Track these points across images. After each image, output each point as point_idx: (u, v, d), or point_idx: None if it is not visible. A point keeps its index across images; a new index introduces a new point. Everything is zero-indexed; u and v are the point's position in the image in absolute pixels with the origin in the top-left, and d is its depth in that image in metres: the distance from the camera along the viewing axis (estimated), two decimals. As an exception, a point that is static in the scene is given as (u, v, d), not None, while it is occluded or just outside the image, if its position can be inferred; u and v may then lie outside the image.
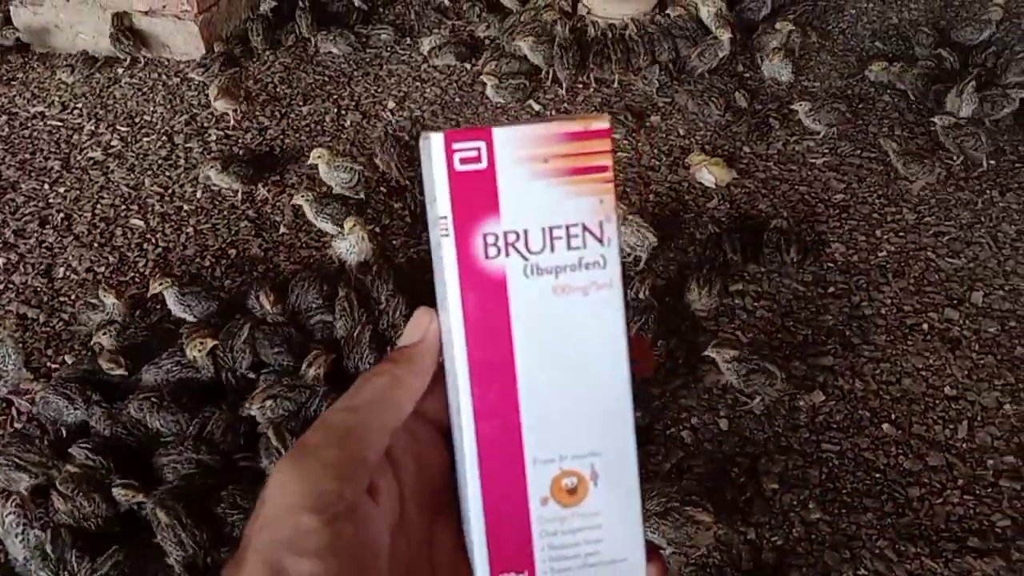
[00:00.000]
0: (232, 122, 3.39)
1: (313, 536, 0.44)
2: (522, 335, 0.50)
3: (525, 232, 0.49)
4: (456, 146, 0.49)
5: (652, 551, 0.52)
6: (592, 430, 0.51)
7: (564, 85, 3.59)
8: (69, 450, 2.08)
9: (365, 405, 0.50)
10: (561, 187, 0.49)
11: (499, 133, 0.49)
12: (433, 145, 0.49)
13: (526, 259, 0.49)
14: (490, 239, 0.49)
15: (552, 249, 0.50)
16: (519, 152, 0.49)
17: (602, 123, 0.49)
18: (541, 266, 0.50)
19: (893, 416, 2.29)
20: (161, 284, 2.42)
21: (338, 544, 0.44)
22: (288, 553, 0.44)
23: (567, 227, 0.50)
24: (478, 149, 0.49)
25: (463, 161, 0.49)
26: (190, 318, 2.44)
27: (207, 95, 3.51)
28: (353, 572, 0.45)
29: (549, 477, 0.51)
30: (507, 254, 0.49)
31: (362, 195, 2.98)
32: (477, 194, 0.49)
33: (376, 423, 0.49)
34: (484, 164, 0.49)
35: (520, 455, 0.50)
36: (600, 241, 0.50)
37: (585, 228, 0.50)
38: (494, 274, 0.49)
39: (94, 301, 2.49)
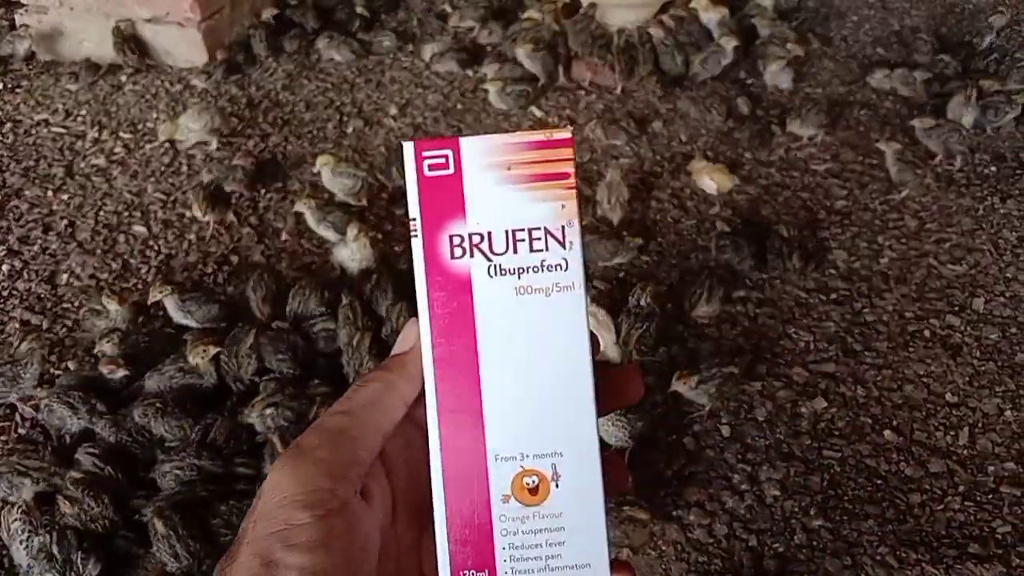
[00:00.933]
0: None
1: (304, 530, 0.46)
2: (486, 333, 0.52)
3: (489, 234, 0.52)
4: (426, 153, 0.52)
5: (621, 561, 0.53)
6: (554, 431, 0.52)
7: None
8: (76, 456, 2.09)
9: (359, 409, 0.52)
10: (524, 192, 0.52)
11: (465, 142, 0.52)
12: (406, 152, 0.52)
13: (490, 260, 0.52)
14: (456, 240, 0.52)
15: (515, 251, 0.52)
16: (485, 159, 0.52)
17: (564, 133, 0.52)
18: (504, 267, 0.52)
19: (895, 423, 2.29)
20: (161, 292, 2.43)
21: (329, 539, 0.46)
22: (279, 546, 0.45)
23: (529, 230, 0.52)
24: (446, 156, 0.52)
25: (431, 167, 0.52)
26: (192, 324, 2.45)
27: (208, 103, 3.53)
28: (342, 567, 0.46)
29: (510, 475, 0.52)
30: (472, 255, 0.52)
31: (364, 202, 2.99)
32: (444, 198, 0.52)
33: (369, 426, 0.51)
34: (451, 170, 0.52)
35: (482, 451, 0.52)
36: (562, 245, 0.52)
37: (547, 232, 0.52)
38: (459, 273, 0.52)
39: (98, 307, 2.50)
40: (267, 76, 3.80)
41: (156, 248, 2.88)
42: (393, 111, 3.57)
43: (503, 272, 0.51)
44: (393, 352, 0.55)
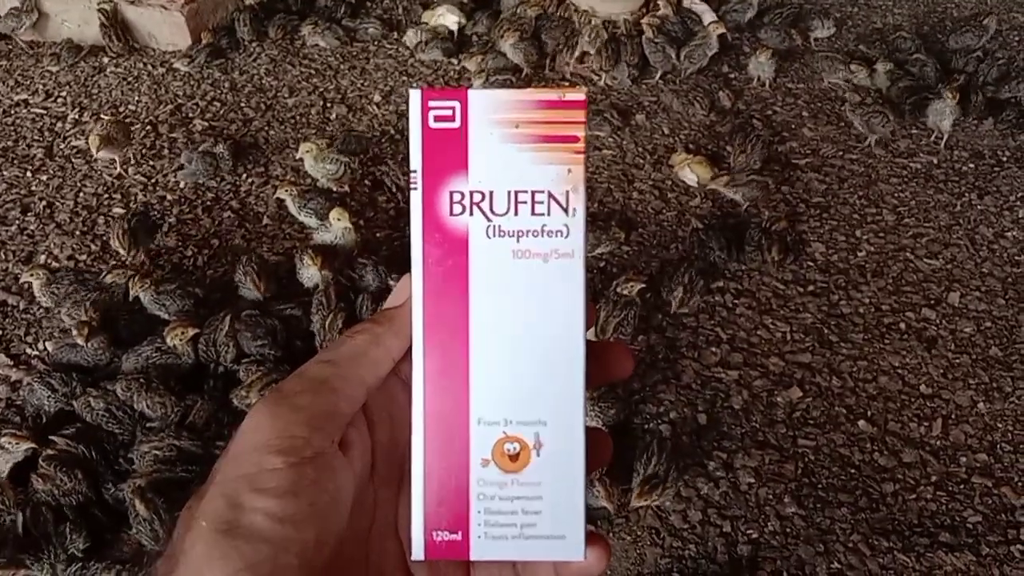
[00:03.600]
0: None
1: (274, 476, 0.45)
2: (479, 295, 0.51)
3: (491, 193, 0.50)
4: (432, 104, 0.50)
5: (597, 535, 0.52)
6: (540, 399, 0.51)
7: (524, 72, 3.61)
8: (50, 437, 2.08)
9: (343, 359, 0.51)
10: (530, 153, 0.50)
11: (474, 95, 0.50)
12: (411, 101, 0.50)
13: (489, 220, 0.50)
14: (456, 196, 0.50)
15: (516, 213, 0.50)
16: (492, 115, 0.49)
17: (578, 95, 0.50)
18: (503, 228, 0.50)
19: (869, 413, 2.31)
20: (141, 286, 2.40)
21: (298, 487, 0.45)
22: (248, 489, 0.45)
23: (532, 192, 0.50)
24: (453, 108, 0.50)
25: (437, 119, 0.50)
26: (165, 316, 2.42)
27: (191, 86, 3.51)
28: (309, 516, 0.46)
29: (492, 440, 0.51)
30: (471, 213, 0.50)
31: (346, 188, 2.98)
32: (447, 152, 0.50)
33: (352, 377, 0.50)
34: (457, 123, 0.50)
35: (465, 413, 0.51)
36: (565, 210, 0.50)
37: (551, 196, 0.50)
38: (457, 231, 0.50)
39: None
40: (251, 61, 3.78)
41: (136, 230, 2.86)
42: (377, 98, 3.57)
43: (502, 233, 0.50)
44: (385, 306, 0.54)
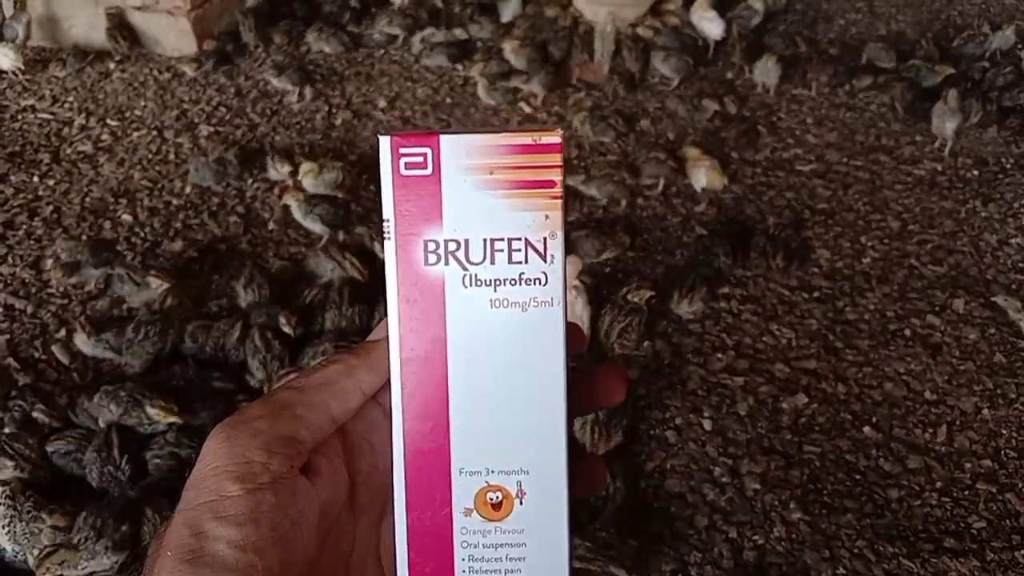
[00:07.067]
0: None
1: (234, 503, 0.45)
2: (457, 344, 0.50)
3: (466, 242, 0.49)
4: (403, 151, 0.48)
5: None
6: (522, 448, 0.51)
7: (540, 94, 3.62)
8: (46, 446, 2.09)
9: (311, 387, 0.50)
10: (506, 199, 0.49)
11: (446, 141, 0.48)
12: (381, 148, 0.49)
13: (465, 269, 0.49)
14: (431, 246, 0.49)
15: (492, 261, 0.49)
16: (465, 161, 0.48)
17: (553, 138, 0.48)
18: (480, 277, 0.49)
19: (874, 419, 2.32)
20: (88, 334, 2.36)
21: (258, 513, 0.45)
22: (209, 517, 0.45)
23: (509, 240, 0.49)
24: (424, 155, 0.48)
25: (408, 166, 0.48)
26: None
27: (197, 91, 3.52)
28: (271, 542, 0.45)
29: (474, 489, 0.51)
30: (447, 262, 0.49)
31: (347, 194, 2.98)
32: (420, 200, 0.48)
33: (317, 405, 0.50)
34: (429, 171, 0.48)
35: (447, 462, 0.51)
36: (543, 258, 0.49)
37: (528, 243, 0.49)
38: (433, 281, 0.49)
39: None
40: (256, 66, 3.80)
41: (142, 235, 2.88)
42: (382, 104, 3.58)
43: (479, 283, 0.49)
44: (369, 338, 0.53)
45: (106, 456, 2.01)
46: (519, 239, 0.49)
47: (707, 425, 2.29)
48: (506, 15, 4.05)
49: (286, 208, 2.87)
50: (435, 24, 4.04)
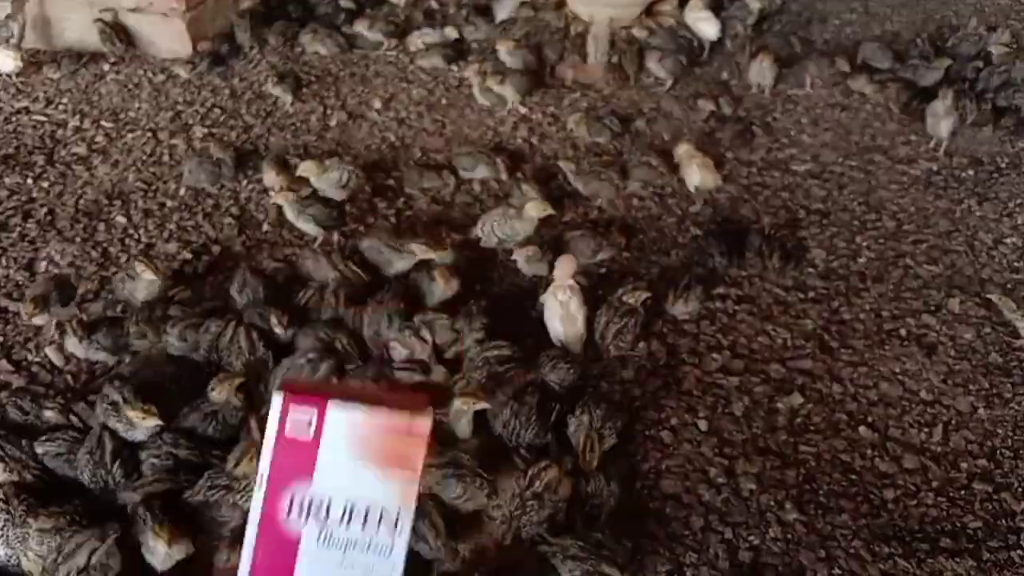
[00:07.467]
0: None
1: None
2: None
3: (329, 501, 0.52)
4: (292, 410, 0.52)
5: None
6: None
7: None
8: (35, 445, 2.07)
9: None
10: (373, 470, 0.53)
11: (332, 413, 0.52)
12: (272, 404, 0.52)
13: (323, 526, 0.52)
14: (296, 502, 0.52)
15: (348, 524, 0.53)
16: (345, 432, 0.52)
17: (425, 423, 0.53)
18: (334, 536, 0.53)
19: (870, 419, 2.31)
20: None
21: None
22: None
23: (367, 508, 0.53)
24: (310, 418, 0.52)
25: (292, 429, 0.52)
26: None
27: (191, 93, 3.51)
28: None
29: None
30: (306, 520, 0.53)
31: (347, 195, 2.97)
32: (297, 460, 0.53)
33: None
34: (310, 436, 0.52)
35: None
36: (394, 528, 0.53)
37: (384, 513, 0.53)
38: (290, 535, 0.53)
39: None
40: (251, 68, 3.79)
41: (136, 237, 2.87)
42: (377, 105, 3.57)
43: (332, 544, 0.52)
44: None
45: (99, 458, 1.99)
46: (377, 509, 0.54)
47: (702, 425, 2.29)
48: (501, 16, 4.04)
49: (279, 209, 2.86)
50: (430, 25, 4.04)
